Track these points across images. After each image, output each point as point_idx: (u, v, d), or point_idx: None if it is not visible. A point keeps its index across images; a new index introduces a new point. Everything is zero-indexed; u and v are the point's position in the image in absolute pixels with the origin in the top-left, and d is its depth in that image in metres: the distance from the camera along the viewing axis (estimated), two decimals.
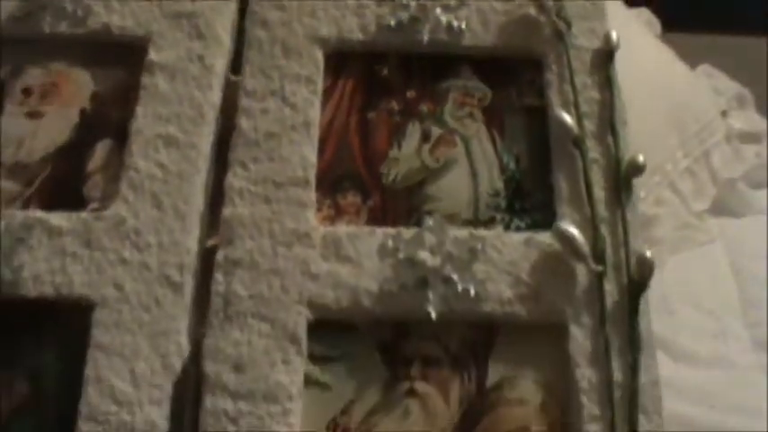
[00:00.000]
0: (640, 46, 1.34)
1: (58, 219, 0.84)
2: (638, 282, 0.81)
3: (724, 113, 1.40)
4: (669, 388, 1.02)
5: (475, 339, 0.82)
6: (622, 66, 0.92)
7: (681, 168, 1.31)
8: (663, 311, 1.17)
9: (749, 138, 1.41)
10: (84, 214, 0.85)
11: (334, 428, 0.80)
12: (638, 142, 0.95)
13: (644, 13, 1.54)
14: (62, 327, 0.82)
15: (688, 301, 1.21)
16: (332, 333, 0.82)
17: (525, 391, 0.81)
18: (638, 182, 0.86)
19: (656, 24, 1.53)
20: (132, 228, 0.84)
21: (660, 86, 1.33)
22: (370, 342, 0.82)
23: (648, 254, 0.81)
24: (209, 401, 0.79)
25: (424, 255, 0.81)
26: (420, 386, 0.81)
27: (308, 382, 0.80)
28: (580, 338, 0.81)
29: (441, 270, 0.81)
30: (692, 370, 1.14)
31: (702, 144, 1.34)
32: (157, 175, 0.86)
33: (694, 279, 1.25)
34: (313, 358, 0.81)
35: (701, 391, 1.11)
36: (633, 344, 0.80)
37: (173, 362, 0.80)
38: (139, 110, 0.89)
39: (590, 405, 0.79)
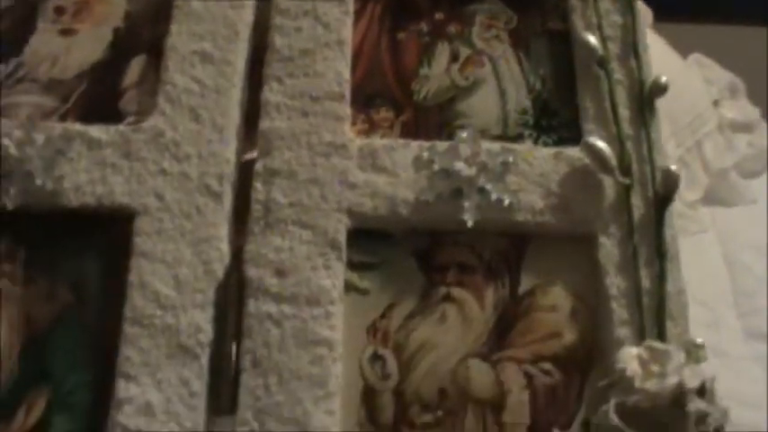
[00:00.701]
0: None
1: (96, 131, 0.82)
2: (663, 194, 0.82)
3: (716, 103, 1.38)
4: None
5: (507, 248, 0.82)
6: None
7: (673, 158, 1.31)
8: None
9: (741, 127, 1.38)
10: (122, 127, 0.83)
11: (374, 332, 0.79)
12: None
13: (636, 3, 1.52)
14: (103, 236, 0.80)
15: None
16: (370, 241, 0.81)
17: (557, 298, 0.81)
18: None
19: (648, 14, 1.51)
20: (171, 140, 0.82)
21: None
22: (407, 250, 0.82)
23: (674, 168, 0.82)
24: (252, 305, 0.78)
25: (459, 165, 0.81)
26: (456, 291, 0.81)
27: (348, 288, 0.80)
28: (609, 248, 0.81)
29: (475, 180, 0.81)
30: None
31: (694, 134, 1.32)
32: (194, 89, 0.84)
33: (686, 268, 1.23)
34: (352, 265, 0.80)
35: None
36: (660, 253, 0.80)
37: (215, 267, 0.79)
38: (174, 27, 0.87)
39: (620, 310, 0.79)
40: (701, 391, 0.74)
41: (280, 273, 0.79)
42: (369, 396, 0.78)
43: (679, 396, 0.73)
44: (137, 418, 0.74)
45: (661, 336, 0.78)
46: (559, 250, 0.82)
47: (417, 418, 0.78)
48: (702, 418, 0.73)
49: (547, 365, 0.79)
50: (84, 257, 0.79)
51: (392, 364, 0.79)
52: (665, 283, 0.79)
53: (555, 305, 0.81)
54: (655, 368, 0.75)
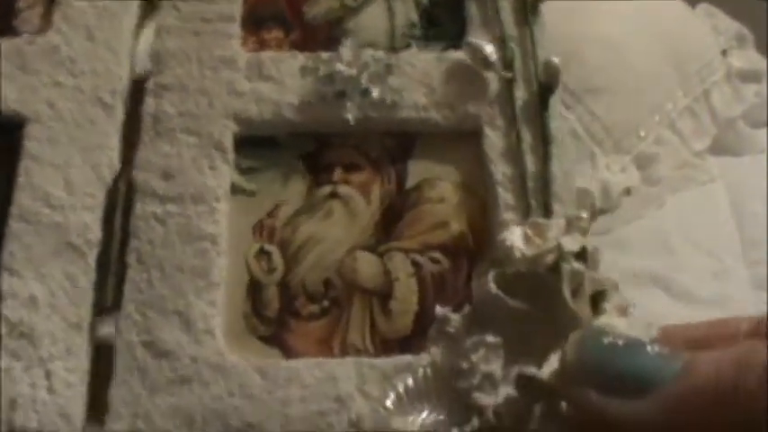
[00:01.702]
0: None
1: None
2: (546, 84, 0.80)
3: (724, 52, 1.35)
4: None
5: (394, 146, 0.80)
6: (621, 3, 0.89)
7: (681, 107, 1.26)
8: (662, 251, 1.12)
9: (749, 77, 1.31)
10: (17, 40, 0.83)
11: (261, 230, 0.78)
12: (637, 81, 0.92)
13: None
14: None
15: (688, 240, 1.15)
16: (257, 147, 0.80)
17: (444, 191, 0.79)
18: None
19: None
20: (66, 56, 0.82)
21: (660, 25, 1.29)
22: (293, 153, 0.80)
23: (555, 60, 0.80)
24: (139, 207, 0.76)
25: (341, 67, 0.80)
26: (342, 189, 0.79)
27: (236, 190, 0.78)
28: (494, 138, 0.79)
29: (357, 80, 0.79)
30: (692, 309, 1.07)
31: (702, 83, 1.28)
32: (90, 11, 0.84)
33: (694, 219, 1.17)
34: (240, 170, 0.79)
35: None
36: (544, 138, 0.78)
37: (105, 173, 0.78)
38: None
39: (505, 195, 0.77)
40: (581, 256, 0.71)
41: (166, 176, 0.77)
42: (254, 289, 0.75)
43: (557, 259, 0.70)
44: (20, 310, 0.72)
45: (547, 216, 0.75)
46: (446, 146, 0.80)
47: (303, 308, 0.75)
48: (578, 280, 0.70)
49: (435, 254, 0.76)
50: None
51: (277, 259, 0.76)
52: (549, 165, 0.77)
53: (442, 197, 0.78)
54: (537, 240, 0.73)
